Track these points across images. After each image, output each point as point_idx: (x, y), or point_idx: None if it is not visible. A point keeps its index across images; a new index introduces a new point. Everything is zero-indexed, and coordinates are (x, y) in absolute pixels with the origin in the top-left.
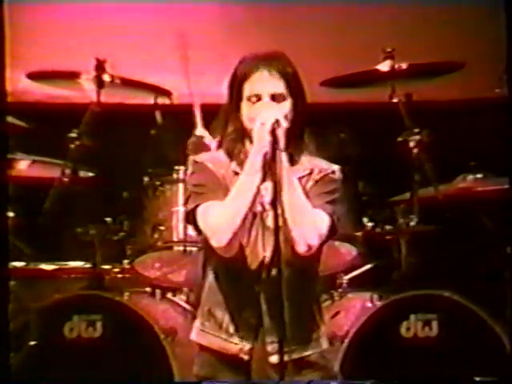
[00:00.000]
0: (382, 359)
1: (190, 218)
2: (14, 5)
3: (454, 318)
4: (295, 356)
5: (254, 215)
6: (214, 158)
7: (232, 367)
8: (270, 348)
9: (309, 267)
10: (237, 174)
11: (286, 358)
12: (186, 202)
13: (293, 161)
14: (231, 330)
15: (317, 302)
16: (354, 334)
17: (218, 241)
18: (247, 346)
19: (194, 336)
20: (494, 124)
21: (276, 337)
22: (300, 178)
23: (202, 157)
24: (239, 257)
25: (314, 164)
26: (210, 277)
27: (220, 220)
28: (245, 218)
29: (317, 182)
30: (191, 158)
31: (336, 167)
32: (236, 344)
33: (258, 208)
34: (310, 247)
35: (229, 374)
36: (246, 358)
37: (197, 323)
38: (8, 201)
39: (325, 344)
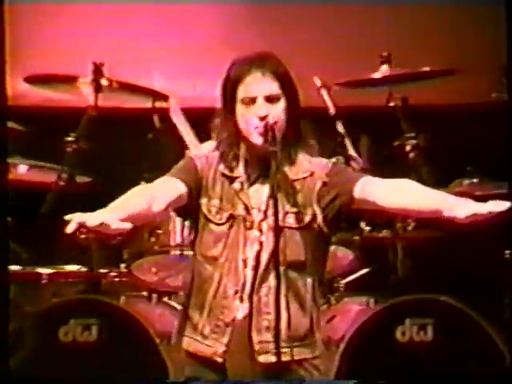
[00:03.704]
0: (378, 363)
1: None
2: (13, 8)
3: (450, 323)
4: (296, 357)
5: (233, 217)
6: (207, 157)
7: (210, 368)
8: (257, 347)
9: (311, 270)
10: (224, 175)
11: (286, 358)
12: None
13: (290, 161)
14: (206, 332)
15: (316, 306)
16: (350, 339)
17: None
18: (221, 348)
19: (173, 338)
20: (490, 128)
21: (270, 336)
22: (301, 180)
23: (193, 152)
24: (215, 259)
25: (314, 165)
26: (189, 280)
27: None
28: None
29: (325, 183)
30: (186, 152)
31: (334, 159)
32: (210, 346)
33: (240, 211)
34: None
35: (210, 374)
36: (219, 360)
37: (176, 325)
38: (7, 205)
39: (319, 350)
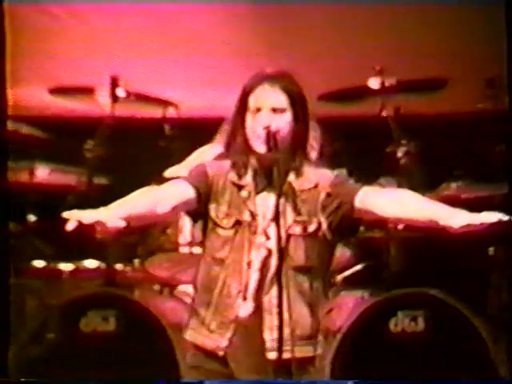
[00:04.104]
0: (373, 353)
1: None
2: (39, 27)
3: (439, 315)
4: (298, 355)
5: (239, 223)
6: (218, 165)
7: (214, 360)
8: (268, 345)
9: (317, 274)
10: (234, 184)
11: (289, 355)
12: None
13: (297, 173)
14: (212, 327)
15: (322, 308)
16: (347, 330)
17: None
18: (224, 342)
19: (184, 333)
20: (475, 135)
21: (276, 334)
22: (307, 190)
23: (206, 161)
24: (222, 261)
25: (318, 176)
26: (200, 274)
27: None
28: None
29: (329, 194)
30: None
31: (336, 171)
32: (214, 340)
33: (246, 217)
34: None
35: (213, 364)
36: (220, 353)
37: (189, 321)
38: (6, 206)
39: (320, 350)
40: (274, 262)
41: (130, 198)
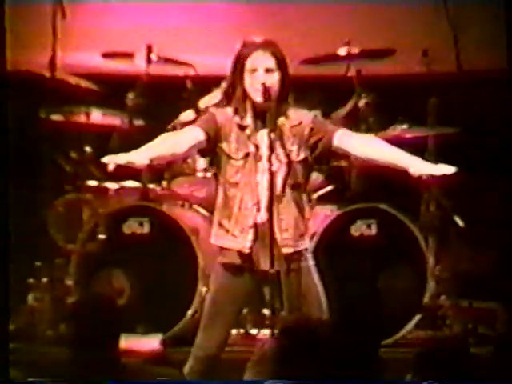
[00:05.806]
0: (339, 251)
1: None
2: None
3: (387, 223)
4: (297, 248)
5: (248, 154)
6: (224, 112)
7: (240, 257)
8: (283, 242)
9: (304, 189)
10: (238, 125)
11: (291, 250)
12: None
13: (285, 115)
14: (236, 233)
15: (305, 212)
16: (320, 234)
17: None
18: (248, 243)
19: (212, 240)
20: (415, 90)
21: (287, 235)
22: (294, 126)
23: (214, 110)
24: (237, 182)
25: (300, 116)
26: (219, 196)
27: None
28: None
29: (312, 129)
30: (201, 106)
31: (313, 112)
32: (239, 243)
33: (252, 149)
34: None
35: (239, 260)
36: (246, 251)
37: (213, 231)
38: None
39: (307, 244)
40: (279, 182)
41: (156, 142)
